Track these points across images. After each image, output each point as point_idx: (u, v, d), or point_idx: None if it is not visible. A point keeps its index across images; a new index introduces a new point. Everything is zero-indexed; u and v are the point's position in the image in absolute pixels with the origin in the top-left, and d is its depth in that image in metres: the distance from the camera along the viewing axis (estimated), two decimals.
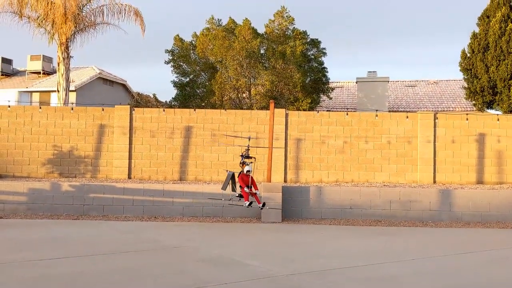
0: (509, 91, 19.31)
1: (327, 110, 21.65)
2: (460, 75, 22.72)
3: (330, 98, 25.07)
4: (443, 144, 15.18)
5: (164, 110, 15.49)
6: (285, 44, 21.63)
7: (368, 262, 6.93)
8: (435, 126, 15.21)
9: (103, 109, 15.31)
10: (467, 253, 7.85)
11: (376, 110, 15.59)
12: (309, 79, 22.30)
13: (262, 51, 22.03)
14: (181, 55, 22.97)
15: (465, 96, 22.43)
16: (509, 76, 19.32)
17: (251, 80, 21.82)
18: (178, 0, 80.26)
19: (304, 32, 22.51)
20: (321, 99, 24.58)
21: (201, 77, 23.42)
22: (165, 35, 71.71)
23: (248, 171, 9.77)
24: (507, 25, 19.54)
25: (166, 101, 24.96)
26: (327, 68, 23.10)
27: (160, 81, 73.04)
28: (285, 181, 15.12)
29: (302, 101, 21.12)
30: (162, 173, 15.11)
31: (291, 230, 10.33)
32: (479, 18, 21.68)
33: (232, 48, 20.45)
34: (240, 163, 10.04)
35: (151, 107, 21.11)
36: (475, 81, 20.97)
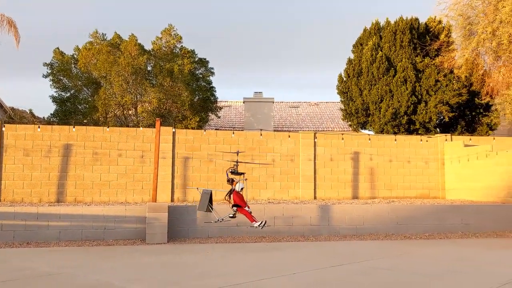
0: (380, 113, 21.15)
1: (216, 129, 21.85)
2: (338, 98, 24.42)
3: (219, 117, 25.35)
4: (322, 162, 16.10)
5: (39, 127, 14.44)
6: (173, 62, 21.50)
7: (255, 279, 7.03)
8: (315, 145, 16.10)
9: None
10: (342, 265, 8.33)
11: (261, 130, 16.09)
12: (197, 97, 22.35)
13: (149, 68, 21.65)
14: (62, 69, 21.66)
15: (342, 117, 24.13)
16: (379, 99, 21.19)
17: (138, 97, 21.29)
18: (60, 13, 75.97)
19: (192, 51, 22.60)
20: (210, 117, 24.76)
21: (83, 93, 22.26)
22: (45, 48, 67.23)
23: (242, 188, 8.97)
24: (378, 53, 21.48)
25: (44, 117, 23.30)
26: (215, 88, 23.40)
27: (38, 96, 68.03)
28: (172, 200, 14.88)
29: (191, 119, 21.08)
30: (37, 195, 14.00)
31: (176, 251, 10.15)
32: (354, 46, 23.61)
33: (117, 63, 19.81)
34: (228, 180, 9.18)
35: (26, 123, 19.56)
36: (350, 103, 22.67)
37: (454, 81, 20.74)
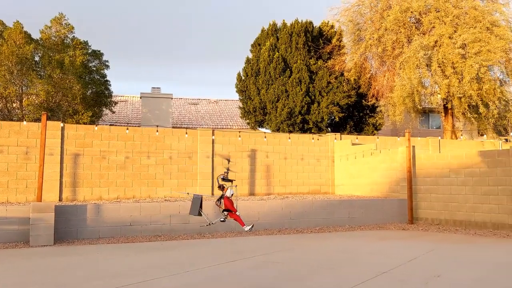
0: (276, 112, 21.78)
1: (111, 124, 20.96)
2: (237, 96, 24.72)
3: (113, 112, 24.37)
4: (220, 159, 16.18)
5: None
6: (64, 53, 20.23)
7: (147, 278, 6.85)
8: (213, 143, 16.14)
9: None
10: (236, 260, 8.45)
11: (157, 126, 15.76)
12: (90, 91, 21.26)
13: (37, 58, 20.13)
14: None
15: (240, 115, 24.47)
16: (276, 98, 21.81)
17: (23, 89, 19.71)
18: None
19: (85, 42, 21.44)
20: (104, 112, 23.70)
21: None
22: None
23: (232, 194, 9.36)
24: (275, 54, 22.08)
25: None
26: (110, 81, 22.43)
27: None
28: (60, 200, 14.00)
29: (83, 114, 19.99)
30: None
31: (64, 253, 9.56)
32: (252, 45, 24.05)
33: (0, 52, 18.16)
34: (218, 186, 9.57)
35: None
36: (248, 102, 23.07)
37: (344, 84, 22.01)
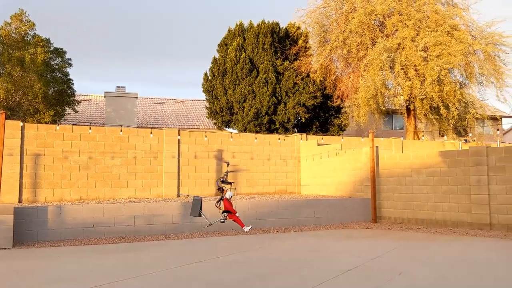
0: (243, 112, 21.79)
1: (74, 124, 20.49)
2: (203, 96, 24.59)
3: (76, 112, 23.84)
4: (186, 159, 16.07)
5: None
6: (25, 50, 19.66)
7: (110, 281, 6.71)
8: (179, 143, 16.00)
9: None
10: (202, 261, 8.39)
11: (121, 126, 15.49)
12: (52, 90, 20.74)
13: None
14: None
15: (207, 115, 24.37)
16: (243, 99, 21.83)
17: None
18: None
19: (47, 40, 20.89)
20: (67, 112, 23.14)
21: None
22: None
23: (231, 196, 9.64)
24: (241, 54, 22.08)
25: None
26: (72, 80, 21.94)
27: None
28: (20, 201, 13.58)
29: (44, 113, 19.49)
30: None
31: (23, 256, 9.26)
32: (219, 45, 23.98)
33: None
34: (218, 188, 9.83)
35: None
36: (215, 102, 22.99)
37: (310, 85, 22.24)
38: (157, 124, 28.16)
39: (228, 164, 10.27)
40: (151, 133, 15.61)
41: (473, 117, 20.69)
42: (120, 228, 11.69)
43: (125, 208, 11.88)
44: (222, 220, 9.83)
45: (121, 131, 15.07)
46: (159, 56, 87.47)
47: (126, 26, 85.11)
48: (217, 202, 9.98)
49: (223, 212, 9.82)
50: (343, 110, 23.43)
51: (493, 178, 11.97)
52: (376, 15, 20.54)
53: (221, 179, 10.00)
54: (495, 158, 12.00)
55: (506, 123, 36.81)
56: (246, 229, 9.96)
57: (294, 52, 22.78)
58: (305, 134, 19.18)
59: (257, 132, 21.27)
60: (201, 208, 10.10)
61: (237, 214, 9.92)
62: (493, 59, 20.03)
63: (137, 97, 27.83)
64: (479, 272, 7.23)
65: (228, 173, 10.10)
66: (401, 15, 20.27)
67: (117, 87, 28.35)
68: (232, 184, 9.96)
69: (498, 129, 30.77)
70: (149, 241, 11.24)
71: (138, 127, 25.59)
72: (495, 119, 25.79)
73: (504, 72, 20.14)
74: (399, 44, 19.90)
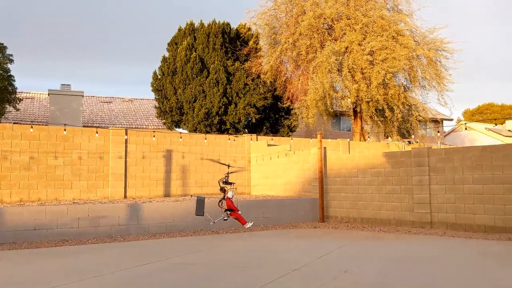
0: (193, 112, 21.61)
1: (15, 123, 19.60)
2: (153, 95, 24.17)
3: (17, 110, 22.76)
4: (134, 159, 15.73)
5: None
6: None
7: (51, 286, 6.44)
8: (126, 142, 15.63)
9: None
10: (150, 263, 8.23)
11: (65, 125, 14.96)
12: None
13: None
14: None
15: (156, 115, 23.97)
16: (193, 98, 21.65)
17: None
18: None
19: None
20: (7, 110, 22.06)
21: None
22: None
23: (233, 195, 10.10)
24: (192, 53, 21.90)
25: None
26: (14, 77, 20.92)
27: None
28: None
29: None
30: None
31: None
32: (169, 44, 23.66)
33: None
34: (220, 189, 10.22)
35: None
36: (165, 102, 22.66)
37: (261, 86, 22.37)
38: (104, 123, 27.40)
39: (229, 166, 10.65)
40: (97, 132, 15.16)
41: (416, 119, 21.52)
42: (63, 231, 11.27)
43: (69, 210, 11.47)
44: (226, 218, 10.24)
45: (65, 130, 14.54)
46: (107, 54, 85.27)
47: (72, 23, 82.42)
48: (220, 201, 10.35)
49: (225, 210, 10.22)
50: (293, 112, 23.72)
51: (433, 178, 12.49)
52: (325, 18, 20.95)
53: (223, 180, 10.39)
54: (436, 159, 12.53)
55: (446, 126, 38.57)
56: (248, 225, 10.41)
57: (245, 53, 22.83)
58: (255, 134, 19.26)
59: (207, 132, 21.16)
60: (203, 207, 10.43)
61: (239, 212, 10.30)
62: (435, 64, 20.93)
63: (83, 96, 26.94)
64: (420, 268, 7.51)
65: (229, 174, 10.49)
66: (349, 19, 20.78)
67: (62, 85, 27.33)
68: (233, 184, 10.41)
69: (438, 131, 32.20)
70: (94, 243, 10.91)
71: (84, 126, 24.79)
72: (437, 122, 26.98)
73: (445, 76, 21.10)
74: (346, 48, 20.40)
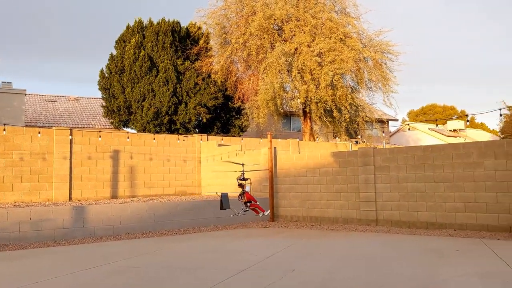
0: (142, 112, 21.21)
1: None
2: (100, 94, 23.51)
3: None
4: (79, 160, 15.25)
5: None
6: None
7: None
8: (71, 143, 15.14)
9: None
10: (95, 267, 8.00)
11: (5, 124, 14.27)
12: None
13: None
14: None
15: (103, 114, 23.34)
16: (142, 98, 21.24)
17: None
18: None
19: None
20: None
21: None
22: None
23: (249, 189, 11.96)
24: (140, 52, 21.49)
25: None
26: None
27: None
28: None
29: None
30: None
31: None
32: (117, 42, 23.10)
33: None
34: (239, 185, 11.70)
35: None
36: (112, 101, 22.10)
37: (211, 85, 22.26)
38: (48, 123, 26.37)
39: (243, 165, 11.95)
40: (39, 132, 14.58)
41: (363, 120, 22.13)
42: (3, 235, 10.75)
43: (9, 214, 10.95)
44: (247, 209, 11.82)
45: (4, 130, 13.89)
46: (50, 50, 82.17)
47: (15, 17, 78.87)
48: (239, 196, 11.82)
49: (245, 202, 11.76)
50: (243, 112, 23.76)
51: (379, 177, 12.89)
52: (275, 19, 21.13)
53: (241, 177, 11.76)
54: (381, 158, 12.93)
55: (392, 126, 39.93)
56: (266, 212, 12.30)
57: (195, 52, 22.65)
58: (206, 134, 19.15)
59: (157, 132, 20.82)
60: (228, 202, 11.81)
61: (257, 203, 12.05)
62: (381, 66, 21.59)
63: (25, 94, 25.79)
64: (366, 265, 7.72)
65: (244, 172, 11.81)
66: (299, 21, 21.07)
67: (3, 82, 26.05)
68: (248, 180, 12.01)
69: (384, 131, 33.25)
70: (37, 248, 10.48)
71: (27, 126, 23.76)
72: (382, 122, 27.82)
73: (390, 78, 21.82)
74: (296, 49, 20.67)
